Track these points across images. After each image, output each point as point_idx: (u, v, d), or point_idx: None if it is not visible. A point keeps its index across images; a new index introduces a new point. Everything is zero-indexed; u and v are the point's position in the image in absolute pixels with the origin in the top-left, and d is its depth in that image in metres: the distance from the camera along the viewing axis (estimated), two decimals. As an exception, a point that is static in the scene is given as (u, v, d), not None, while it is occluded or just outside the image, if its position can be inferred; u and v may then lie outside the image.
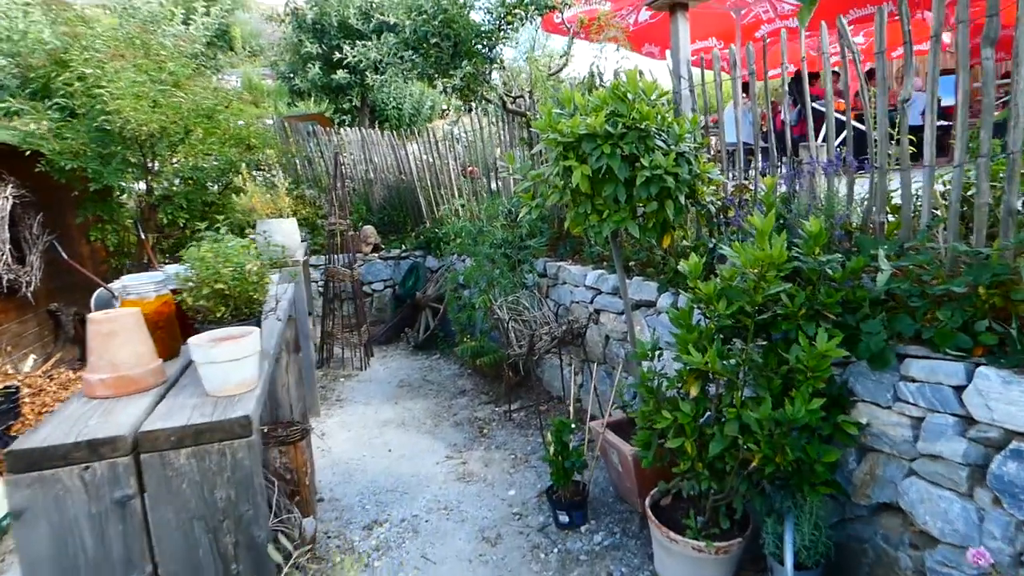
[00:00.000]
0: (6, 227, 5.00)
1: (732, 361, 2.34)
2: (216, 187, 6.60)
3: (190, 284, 1.88)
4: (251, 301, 1.94)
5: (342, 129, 9.59)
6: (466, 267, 5.50)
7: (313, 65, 9.13)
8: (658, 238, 3.06)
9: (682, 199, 2.89)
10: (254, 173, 7.14)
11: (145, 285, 1.90)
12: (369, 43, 6.05)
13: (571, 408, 3.81)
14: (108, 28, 6.24)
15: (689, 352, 2.29)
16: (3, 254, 4.95)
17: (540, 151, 3.15)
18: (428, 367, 6.27)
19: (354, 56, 6.12)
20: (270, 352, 2.24)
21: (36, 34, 5.88)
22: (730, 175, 3.90)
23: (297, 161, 10.34)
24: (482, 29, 5.59)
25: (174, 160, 5.71)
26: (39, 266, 5.55)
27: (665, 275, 3.81)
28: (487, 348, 5.33)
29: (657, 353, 2.77)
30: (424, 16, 5.42)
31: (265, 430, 3.49)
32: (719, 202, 3.35)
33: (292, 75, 9.97)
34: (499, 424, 4.71)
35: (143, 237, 6.06)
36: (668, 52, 4.07)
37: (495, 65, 5.47)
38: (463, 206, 6.28)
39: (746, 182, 3.83)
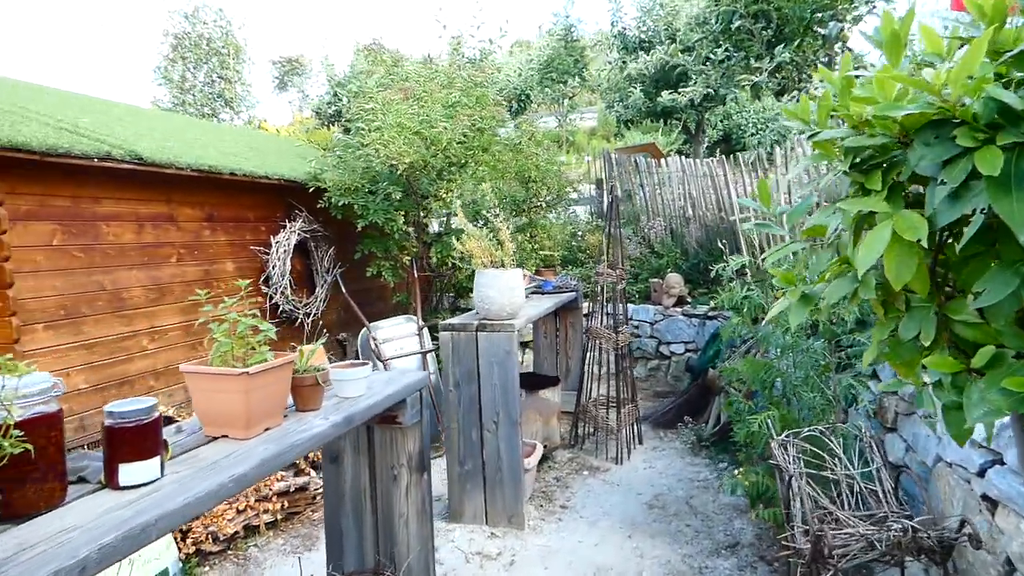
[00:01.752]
0: (289, 260, 5.21)
1: None
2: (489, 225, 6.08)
3: None
4: None
5: (663, 160, 8.29)
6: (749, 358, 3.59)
7: (635, 88, 8.07)
8: None
9: None
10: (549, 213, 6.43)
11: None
12: (660, 46, 4.67)
13: None
14: (417, 65, 6.27)
15: None
16: (283, 287, 5.15)
17: (808, 172, 1.34)
18: (702, 483, 4.45)
19: (642, 66, 4.82)
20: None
21: (357, 74, 6.21)
22: None
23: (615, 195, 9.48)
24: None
25: (445, 195, 5.27)
26: (324, 298, 5.76)
27: None
28: (773, 492, 3.33)
29: None
30: (727, -9, 3.79)
31: (348, 585, 2.44)
32: None
33: (619, 102, 9.11)
34: (764, 644, 2.74)
35: (415, 276, 5.85)
36: None
37: (833, 46, 3.47)
38: (750, 263, 4.32)
39: None
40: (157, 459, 1.46)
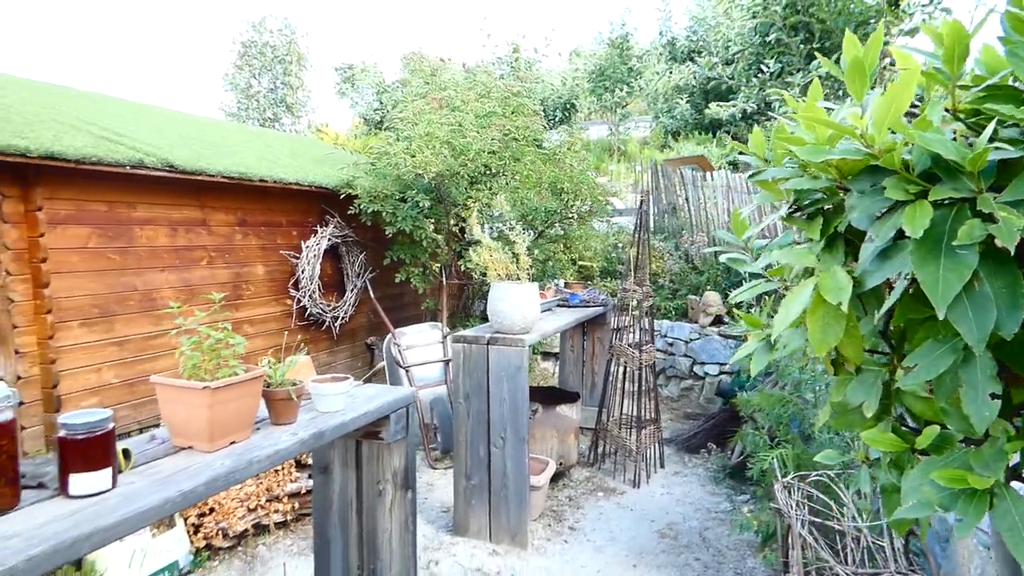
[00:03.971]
0: (319, 264, 5.32)
1: None
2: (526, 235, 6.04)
3: None
4: None
5: (709, 174, 8.06)
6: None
7: (681, 99, 7.87)
8: None
9: None
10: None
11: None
12: (708, 57, 4.54)
13: None
14: (457, 74, 6.31)
15: None
16: (311, 291, 5.26)
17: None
18: (720, 515, 4.27)
19: (686, 77, 4.69)
20: None
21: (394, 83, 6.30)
22: None
23: (661, 206, 9.27)
24: (866, 7, 3.45)
25: (474, 204, 5.27)
26: (354, 302, 5.85)
27: None
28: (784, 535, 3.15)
29: None
30: (761, 2, 3.63)
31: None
32: None
33: (665, 113, 8.92)
34: None
35: (443, 284, 5.88)
36: None
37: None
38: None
39: None
40: (108, 470, 1.49)
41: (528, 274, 3.82)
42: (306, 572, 3.50)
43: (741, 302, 3.68)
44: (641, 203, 4.94)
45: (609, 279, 8.03)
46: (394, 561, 2.56)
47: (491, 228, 6.32)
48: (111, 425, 1.51)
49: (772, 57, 3.95)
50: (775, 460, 2.70)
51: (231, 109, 16.26)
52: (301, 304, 5.24)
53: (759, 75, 4.44)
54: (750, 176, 1.12)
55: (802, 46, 3.62)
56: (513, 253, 3.80)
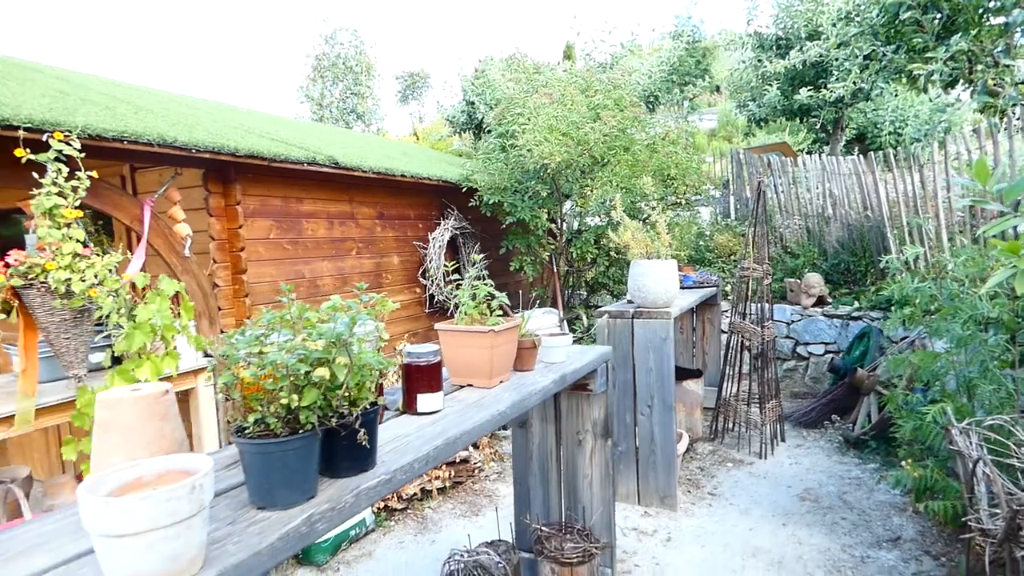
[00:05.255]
0: (443, 254, 5.68)
1: None
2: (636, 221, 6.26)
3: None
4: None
5: (800, 158, 8.09)
6: (921, 350, 3.55)
7: (771, 87, 7.95)
8: None
9: None
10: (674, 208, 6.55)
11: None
12: (812, 43, 4.68)
13: None
14: (557, 74, 6.59)
15: None
16: (437, 279, 5.62)
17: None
18: (855, 480, 4.39)
19: (789, 62, 4.84)
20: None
21: (497, 84, 6.64)
22: None
23: (743, 195, 9.33)
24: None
25: (586, 194, 5.54)
26: (471, 291, 6.19)
27: None
28: (942, 486, 3.27)
29: None
30: (892, -18, 3.76)
31: (543, 532, 2.74)
32: None
33: (752, 101, 8.98)
34: (942, 631, 2.74)
35: (555, 271, 6.16)
36: None
37: (1014, 35, 3.39)
38: (916, 259, 4.20)
39: None
40: (440, 393, 1.81)
41: (668, 251, 4.05)
42: (474, 530, 3.83)
43: (868, 273, 3.75)
44: (760, 185, 5.10)
45: (698, 266, 8.16)
46: (595, 502, 2.82)
47: (603, 214, 6.56)
48: (439, 357, 1.83)
49: (888, 37, 4.06)
50: (946, 410, 2.84)
51: (306, 119, 17.03)
52: (429, 292, 5.61)
53: (866, 58, 4.55)
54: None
55: (933, 23, 3.72)
56: (655, 231, 4.04)
